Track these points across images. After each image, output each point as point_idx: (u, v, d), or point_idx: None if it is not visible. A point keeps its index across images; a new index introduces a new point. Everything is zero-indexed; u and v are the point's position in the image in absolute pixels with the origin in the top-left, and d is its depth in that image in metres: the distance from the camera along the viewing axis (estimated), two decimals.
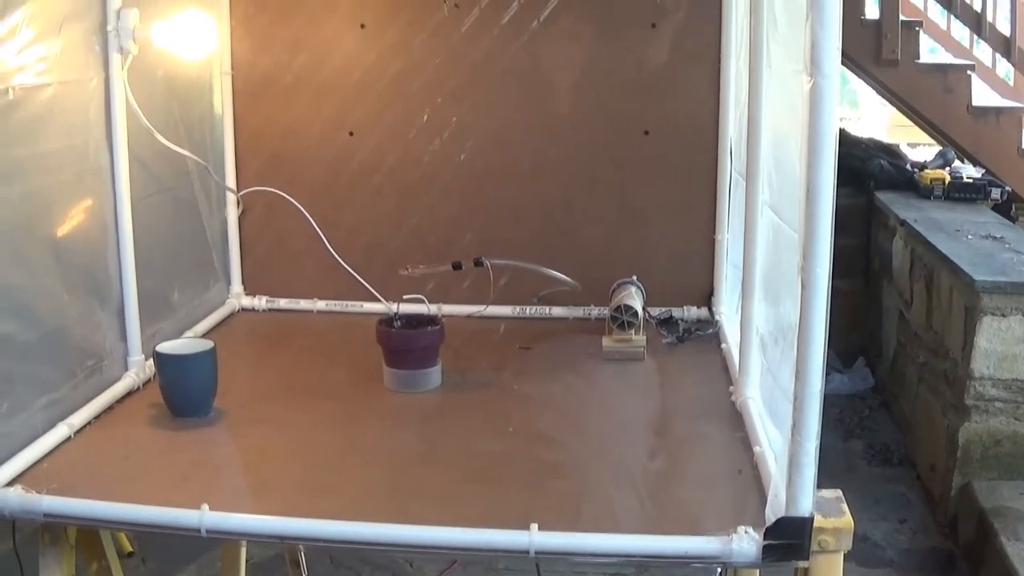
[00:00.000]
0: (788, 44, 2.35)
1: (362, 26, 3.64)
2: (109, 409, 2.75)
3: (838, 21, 1.84)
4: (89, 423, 2.64)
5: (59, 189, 2.74)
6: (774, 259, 2.52)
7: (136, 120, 2.97)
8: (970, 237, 4.16)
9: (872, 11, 5.34)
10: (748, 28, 2.74)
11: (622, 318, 3.23)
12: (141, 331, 2.98)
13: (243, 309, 3.76)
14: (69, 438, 2.54)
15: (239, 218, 3.76)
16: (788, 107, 2.33)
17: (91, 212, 2.86)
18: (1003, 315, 3.31)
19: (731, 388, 2.82)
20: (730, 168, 3.52)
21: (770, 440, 2.34)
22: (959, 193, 5.21)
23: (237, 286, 3.79)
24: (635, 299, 3.33)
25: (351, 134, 3.70)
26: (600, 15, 3.58)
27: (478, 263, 3.33)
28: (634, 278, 3.49)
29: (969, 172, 5.63)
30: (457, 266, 3.35)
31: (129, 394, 2.86)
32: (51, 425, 2.53)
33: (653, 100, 3.61)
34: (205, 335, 3.38)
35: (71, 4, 2.72)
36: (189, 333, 3.32)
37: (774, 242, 2.51)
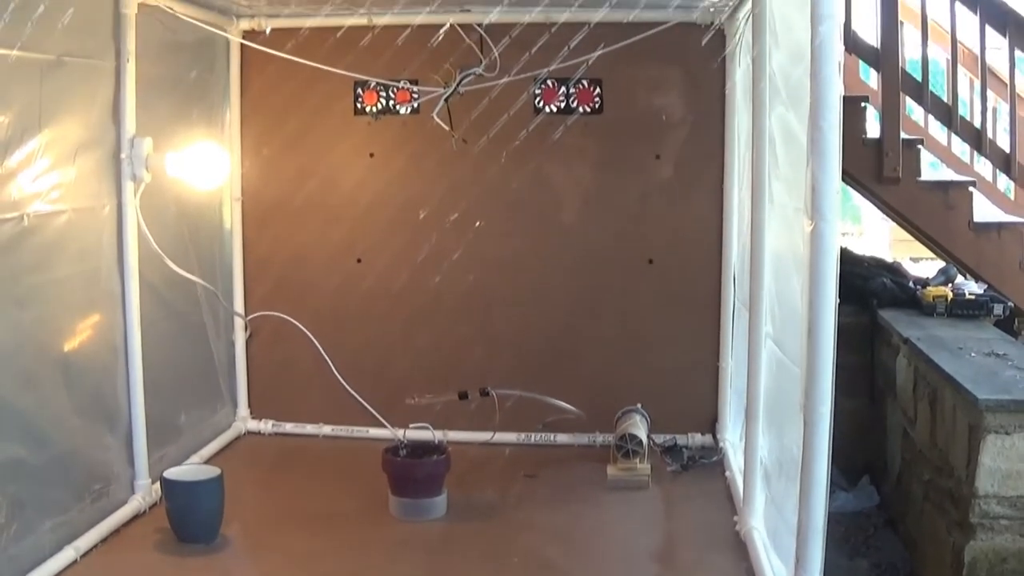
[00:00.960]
0: (789, 182, 2.51)
1: (371, 155, 3.86)
2: (115, 532, 2.81)
3: (838, 167, 1.99)
4: (95, 547, 2.69)
5: (71, 313, 2.84)
6: (776, 391, 2.62)
7: (147, 246, 3.11)
8: (973, 354, 4.22)
9: (873, 129, 5.51)
10: (750, 163, 2.90)
11: (627, 447, 3.33)
12: (148, 454, 3.05)
13: (249, 433, 3.86)
14: (75, 561, 2.59)
15: (246, 342, 3.89)
16: (789, 243, 2.47)
17: (102, 336, 2.97)
18: (1007, 433, 3.35)
19: (735, 517, 2.89)
20: (733, 297, 3.67)
21: (774, 572, 2.42)
22: (962, 310, 5.26)
23: (243, 409, 3.90)
24: (639, 427, 3.43)
25: (359, 261, 3.87)
26: (605, 147, 3.81)
27: (484, 393, 3.42)
28: (639, 406, 3.60)
29: (971, 288, 5.70)
30: (463, 396, 3.45)
31: (136, 517, 2.93)
32: (58, 548, 2.58)
33: (657, 230, 3.80)
34: (211, 459, 3.46)
35: (86, 132, 2.88)
36: (195, 458, 3.40)
37: (776, 374, 2.62)
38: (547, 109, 3.78)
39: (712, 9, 3.48)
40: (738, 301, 3.60)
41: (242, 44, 3.73)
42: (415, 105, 3.79)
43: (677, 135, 3.78)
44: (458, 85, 3.47)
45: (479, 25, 3.57)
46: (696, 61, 3.65)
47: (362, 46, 3.53)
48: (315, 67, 3.51)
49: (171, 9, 3.21)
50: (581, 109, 3.78)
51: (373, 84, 3.80)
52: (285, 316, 3.71)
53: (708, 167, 3.73)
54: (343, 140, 3.87)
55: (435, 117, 3.51)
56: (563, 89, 3.77)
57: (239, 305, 3.88)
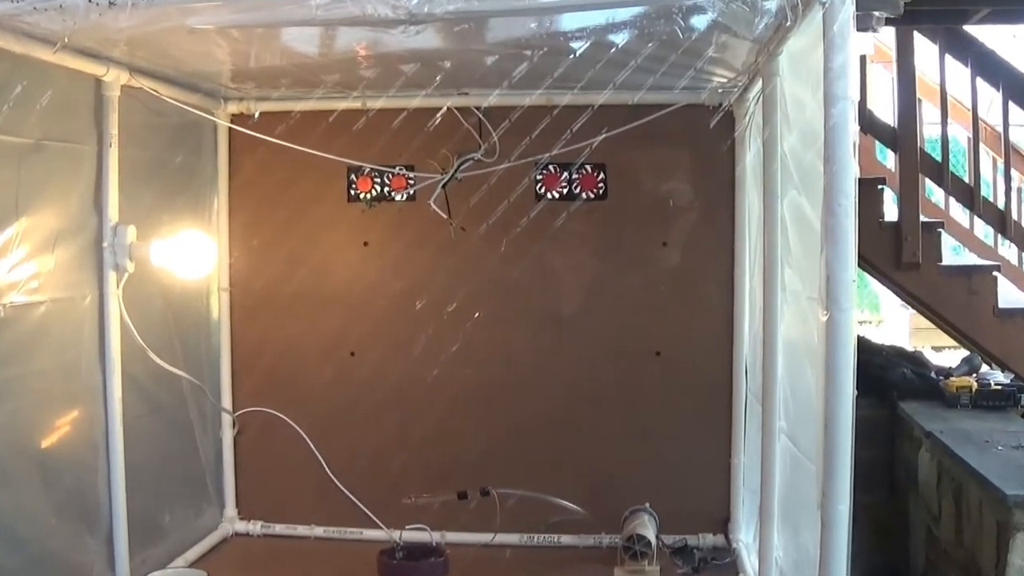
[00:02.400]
0: (803, 270, 2.52)
1: (365, 244, 3.89)
2: None
3: (853, 254, 1.99)
4: None
5: (49, 408, 2.82)
6: (792, 488, 2.59)
7: (130, 338, 3.11)
8: (1000, 448, 4.18)
9: (891, 212, 5.44)
10: (762, 250, 2.91)
11: (635, 548, 3.28)
12: (130, 557, 3.00)
13: (237, 534, 3.80)
14: None
15: (234, 439, 3.86)
16: (803, 333, 2.47)
17: (81, 432, 2.94)
18: None
19: None
20: (745, 390, 3.66)
21: None
22: (987, 401, 5.21)
23: (231, 509, 3.85)
24: (648, 528, 3.38)
25: (352, 354, 3.87)
26: (610, 234, 3.85)
27: (484, 492, 3.39)
28: (647, 505, 3.56)
29: (997, 378, 5.64)
30: (462, 495, 3.42)
31: None
32: None
33: (664, 318, 3.81)
34: (197, 562, 3.41)
35: (66, 219, 2.89)
36: (180, 560, 3.34)
37: (791, 470, 2.59)
38: (549, 195, 3.82)
39: (720, 90, 3.55)
40: (750, 394, 3.59)
41: (230, 128, 3.79)
42: (411, 192, 3.83)
43: (685, 221, 3.82)
44: (456, 171, 3.53)
45: (477, 108, 3.63)
46: (704, 144, 3.70)
47: (356, 130, 3.58)
48: (306, 152, 3.56)
49: (156, 92, 3.24)
50: (584, 195, 3.82)
51: (367, 170, 3.85)
52: (275, 412, 3.70)
53: (717, 254, 3.76)
54: (336, 228, 3.90)
55: (432, 204, 3.56)
56: (565, 174, 3.82)
57: (227, 400, 3.86)
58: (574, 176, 3.82)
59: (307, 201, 3.88)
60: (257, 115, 3.79)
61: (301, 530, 3.81)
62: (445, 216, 3.60)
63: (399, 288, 3.85)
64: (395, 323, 3.85)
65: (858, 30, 2.11)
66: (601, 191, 3.83)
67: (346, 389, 3.85)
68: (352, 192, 3.89)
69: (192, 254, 3.38)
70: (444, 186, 3.57)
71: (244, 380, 3.89)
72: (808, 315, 2.35)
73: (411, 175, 3.80)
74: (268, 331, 3.90)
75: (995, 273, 5.50)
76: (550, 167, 3.80)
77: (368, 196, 3.88)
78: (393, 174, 3.85)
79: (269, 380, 3.86)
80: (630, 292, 3.83)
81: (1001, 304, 5.45)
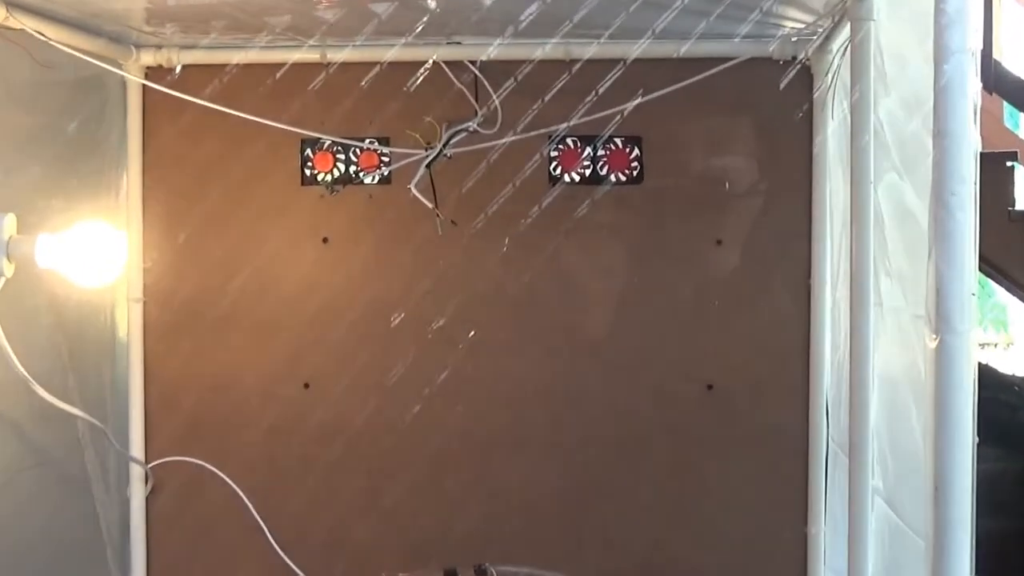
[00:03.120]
0: (904, 279, 2.52)
1: (324, 240, 3.90)
2: None
3: (973, 256, 1.97)
4: None
5: None
6: (891, 569, 2.59)
7: (7, 366, 3.06)
8: None
9: None
10: (849, 251, 2.92)
11: None
12: None
13: None
14: None
15: (147, 499, 3.84)
16: (905, 362, 2.46)
17: None
18: None
19: None
20: (826, 438, 3.66)
21: None
22: None
23: None
24: None
25: (306, 386, 3.88)
26: (647, 229, 3.87)
27: (480, 571, 3.37)
28: None
29: None
30: (451, 574, 3.40)
31: None
32: None
33: (719, 343, 3.81)
34: None
35: None
36: None
37: (890, 545, 2.58)
38: (567, 177, 3.84)
39: (795, 39, 3.56)
40: (833, 443, 3.58)
41: (144, 86, 3.80)
42: (385, 172, 3.84)
43: (746, 211, 3.83)
44: (445, 146, 3.55)
45: (473, 63, 3.65)
46: (772, 110, 3.73)
47: (313, 91, 3.59)
48: (247, 119, 3.57)
49: (42, 35, 3.19)
50: (613, 177, 3.83)
51: (327, 144, 3.86)
52: (202, 463, 3.68)
53: (789, 256, 3.77)
54: (286, 219, 3.91)
55: (413, 189, 3.57)
56: (588, 150, 3.83)
57: (138, 448, 3.86)
58: (600, 152, 3.83)
59: (248, 184, 3.89)
60: (180, 69, 3.80)
61: None
62: (430, 205, 3.61)
63: (369, 299, 3.86)
64: (363, 346, 3.86)
65: None
66: (635, 172, 3.84)
67: (298, 433, 3.85)
68: (308, 172, 3.90)
69: (92, 253, 3.32)
70: (429, 165, 3.58)
71: (162, 421, 3.89)
72: (912, 338, 2.34)
73: (385, 151, 3.81)
74: (195, 356, 3.90)
75: None
76: (568, 141, 3.81)
77: (329, 178, 3.90)
78: (362, 149, 3.86)
79: (195, 421, 3.85)
80: (674, 306, 3.84)
81: None
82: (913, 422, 2.29)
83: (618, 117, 3.57)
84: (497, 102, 3.58)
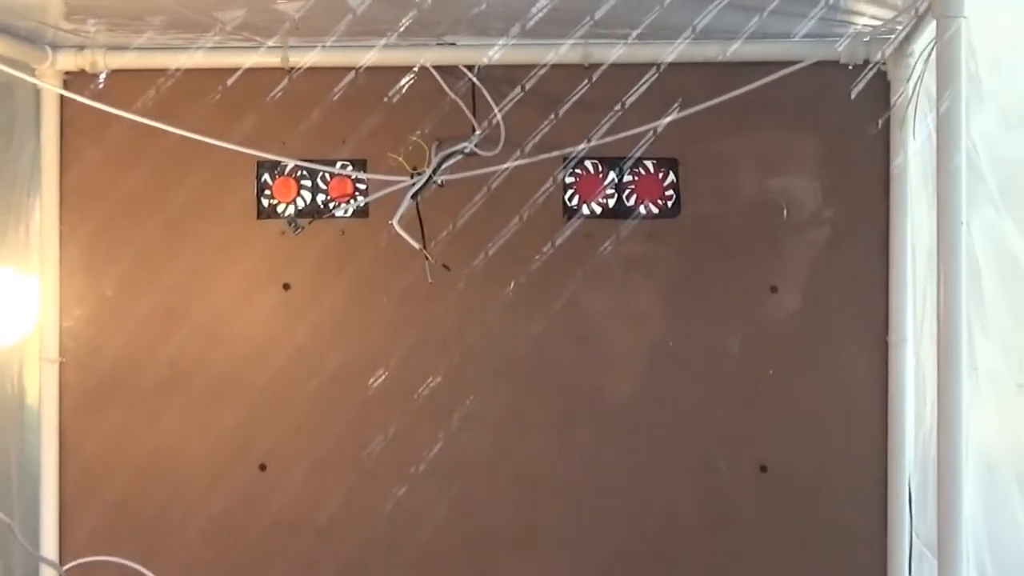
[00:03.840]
0: (1005, 339, 2.48)
1: (286, 287, 3.90)
2: None
3: None
4: None
5: None
6: None
7: None
8: None
9: None
10: (936, 301, 2.86)
11: None
12: None
13: None
14: None
15: None
16: (1008, 440, 2.43)
17: None
18: None
19: None
20: (909, 534, 3.61)
21: None
22: None
23: None
24: None
25: (262, 467, 3.87)
26: (685, 272, 3.86)
27: None
28: None
29: None
30: None
31: None
32: None
33: (774, 412, 3.79)
34: None
35: None
36: None
37: None
38: (585, 209, 3.84)
39: (867, 39, 3.56)
40: (918, 540, 3.54)
41: (62, 96, 3.81)
42: (361, 204, 3.84)
43: (807, 250, 3.82)
44: (435, 171, 3.54)
45: (470, 68, 3.66)
46: (839, 125, 3.73)
47: (272, 102, 3.61)
48: (190, 138, 3.57)
49: None
50: (643, 209, 3.83)
51: (289, 168, 3.87)
52: (131, 564, 3.65)
53: (862, 306, 3.76)
54: (238, 261, 3.91)
55: (395, 225, 3.56)
56: (613, 176, 3.83)
57: (50, 546, 3.85)
58: (627, 178, 3.83)
59: (190, 217, 3.89)
60: (106, 75, 3.81)
61: None
62: (417, 245, 3.60)
63: (341, 358, 3.87)
64: (334, 416, 3.87)
65: None
66: (670, 202, 3.83)
67: (251, 527, 3.84)
68: (265, 203, 3.91)
69: None
70: (416, 195, 3.57)
71: (81, 513, 3.88)
72: (1015, 410, 2.31)
73: (361, 176, 3.82)
74: (123, 430, 3.90)
75: None
76: (588, 164, 3.81)
77: (291, 210, 3.90)
78: (332, 174, 3.87)
79: (123, 513, 3.86)
80: (718, 368, 3.82)
81: None
82: (1018, 513, 2.26)
83: (649, 135, 3.56)
84: (499, 116, 3.58)
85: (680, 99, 3.51)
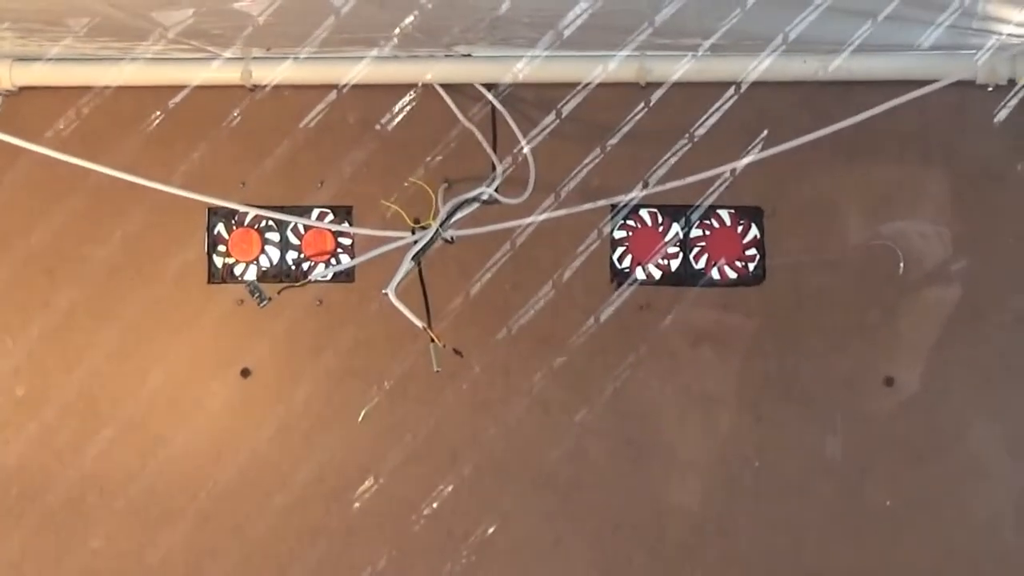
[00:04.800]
0: None
1: (244, 373, 3.90)
2: None
3: None
4: None
5: None
6: None
7: None
8: None
9: None
10: None
11: None
12: None
13: None
14: None
15: None
16: None
17: None
18: None
19: None
20: None
21: None
22: None
23: None
24: None
25: None
26: (771, 356, 3.83)
27: None
28: None
29: None
30: None
31: None
32: None
33: (891, 549, 3.75)
34: None
35: None
36: None
37: None
38: (640, 273, 3.85)
39: (1011, 54, 3.52)
40: None
41: None
42: (345, 266, 3.85)
43: (932, 322, 3.80)
44: (444, 224, 3.51)
45: (489, 88, 3.66)
46: (976, 158, 3.73)
47: (228, 130, 3.66)
48: (118, 178, 3.55)
49: None
50: (717, 272, 3.83)
51: (251, 216, 3.88)
52: None
53: (1010, 401, 3.74)
54: (182, 339, 3.92)
55: (390, 294, 3.52)
56: (676, 229, 3.83)
57: None
58: (695, 232, 3.84)
59: (120, 281, 3.91)
60: (10, 93, 3.84)
61: None
62: (419, 324, 3.55)
63: (315, 469, 3.87)
64: (307, 545, 3.88)
65: None
66: (753, 264, 3.83)
67: None
68: (219, 263, 3.92)
69: None
70: (418, 256, 3.56)
71: None
72: None
73: (346, 230, 3.83)
74: (27, 566, 3.91)
75: None
76: (644, 214, 3.83)
77: (253, 271, 3.92)
78: (307, 226, 3.88)
79: None
80: (816, 487, 3.81)
81: None
82: None
83: (726, 175, 3.56)
84: (527, 151, 3.57)
85: (766, 130, 3.52)
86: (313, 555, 3.86)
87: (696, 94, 3.50)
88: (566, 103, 3.52)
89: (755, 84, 3.43)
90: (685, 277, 3.85)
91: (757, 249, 3.83)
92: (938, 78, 3.40)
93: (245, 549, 3.88)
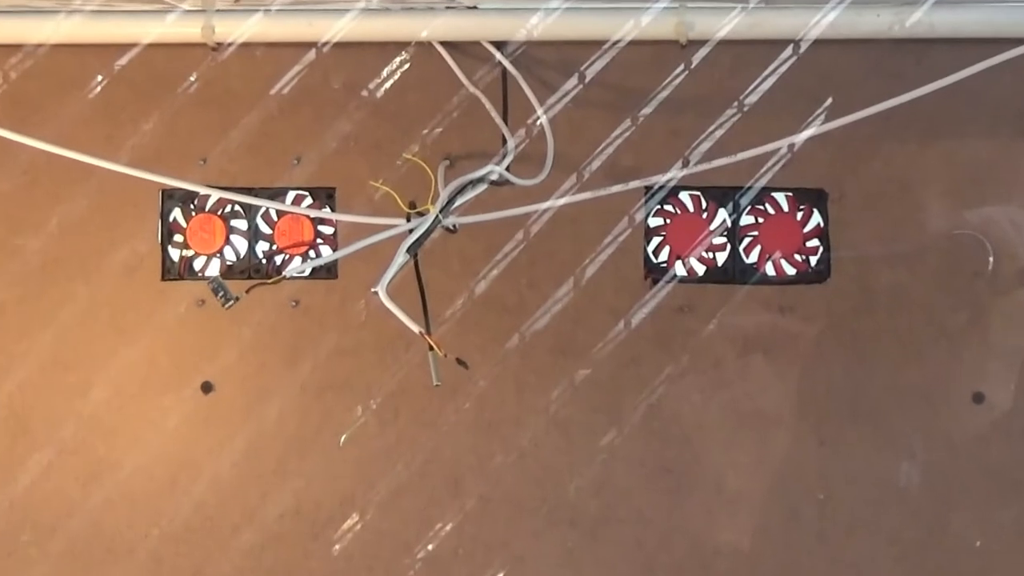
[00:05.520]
0: None
1: (205, 388, 3.93)
2: None
3: None
4: None
5: None
6: None
7: None
8: None
9: None
10: None
11: None
12: None
13: None
14: None
15: None
16: None
17: None
18: None
19: None
20: None
21: None
22: None
23: None
24: None
25: None
26: (836, 367, 3.85)
27: None
28: None
29: None
30: None
31: None
32: None
33: None
34: None
35: None
36: None
37: None
38: (680, 267, 3.85)
39: None
40: None
41: None
42: (326, 259, 3.87)
43: None
44: (445, 209, 3.50)
45: (499, 47, 3.68)
46: None
47: (186, 97, 3.69)
48: (54, 154, 3.57)
49: None
50: (771, 267, 3.84)
51: (213, 200, 3.91)
52: None
53: None
54: (131, 347, 3.93)
55: (380, 293, 3.49)
56: (723, 216, 3.84)
57: None
58: (745, 219, 3.86)
59: (56, 277, 3.93)
60: None
61: None
62: (416, 328, 3.52)
63: (290, 500, 3.89)
64: None
65: None
66: (816, 257, 3.85)
67: None
68: (175, 255, 3.94)
69: None
70: (415, 249, 3.54)
71: None
72: None
73: (328, 216, 3.85)
74: None
75: None
76: (685, 198, 3.84)
77: (216, 266, 3.94)
78: (280, 212, 3.90)
79: None
80: (890, 522, 3.81)
81: None
82: None
83: (783, 151, 3.60)
84: (545, 120, 3.60)
85: (831, 97, 3.55)
86: None
87: (746, 54, 3.53)
88: (591, 64, 3.54)
89: (817, 42, 3.45)
90: (733, 273, 3.85)
91: (820, 240, 3.83)
92: None
93: None
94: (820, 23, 3.39)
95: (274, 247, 3.93)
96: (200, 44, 3.66)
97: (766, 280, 3.84)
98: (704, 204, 3.85)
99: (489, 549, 3.82)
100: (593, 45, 3.53)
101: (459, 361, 3.61)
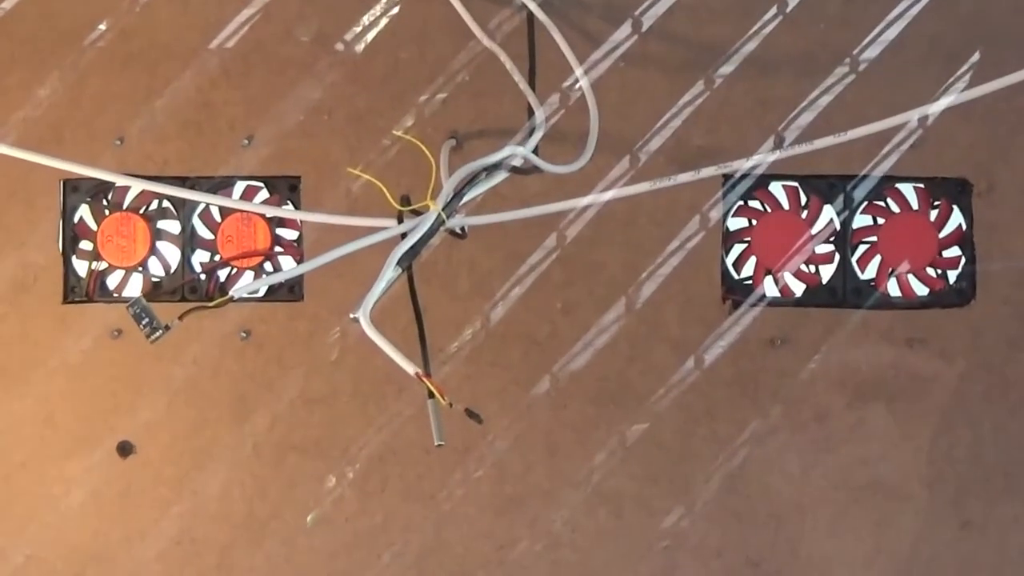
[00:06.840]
0: None
1: (123, 450, 3.97)
2: None
3: None
4: None
5: None
6: None
7: None
8: None
9: None
10: None
11: None
12: None
13: None
14: None
15: None
16: None
17: None
18: None
19: None
20: None
21: None
22: None
23: None
24: None
25: None
26: (985, 414, 3.90)
27: None
28: None
29: None
30: None
31: None
32: None
33: None
34: None
35: None
36: None
37: None
38: (770, 285, 3.92)
39: None
40: None
41: None
42: (286, 276, 3.88)
43: None
44: (451, 204, 3.51)
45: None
46: None
47: (97, 50, 3.76)
48: None
49: None
50: (894, 286, 3.91)
51: (135, 196, 3.97)
52: None
53: None
54: (23, 394, 3.99)
55: (362, 321, 3.54)
56: (829, 215, 3.91)
57: None
58: (860, 221, 3.92)
59: None
60: None
61: None
62: (411, 369, 3.50)
63: None
64: None
65: None
66: (956, 272, 3.91)
67: None
68: (81, 269, 3.99)
69: None
70: (408, 260, 3.53)
71: None
72: None
73: (291, 215, 3.90)
74: None
75: None
76: (776, 189, 3.90)
77: (138, 282, 3.99)
78: (227, 210, 3.96)
79: None
80: None
81: None
82: None
83: (911, 127, 3.67)
84: (586, 84, 3.61)
85: (976, 53, 3.62)
86: None
87: (855, 6, 3.58)
88: (647, 9, 3.59)
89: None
90: (844, 294, 3.91)
91: (961, 248, 3.89)
92: None
93: None
94: None
95: (217, 258, 3.96)
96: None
97: (888, 303, 3.90)
98: (803, 199, 3.91)
99: None
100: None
101: (469, 413, 3.58)
